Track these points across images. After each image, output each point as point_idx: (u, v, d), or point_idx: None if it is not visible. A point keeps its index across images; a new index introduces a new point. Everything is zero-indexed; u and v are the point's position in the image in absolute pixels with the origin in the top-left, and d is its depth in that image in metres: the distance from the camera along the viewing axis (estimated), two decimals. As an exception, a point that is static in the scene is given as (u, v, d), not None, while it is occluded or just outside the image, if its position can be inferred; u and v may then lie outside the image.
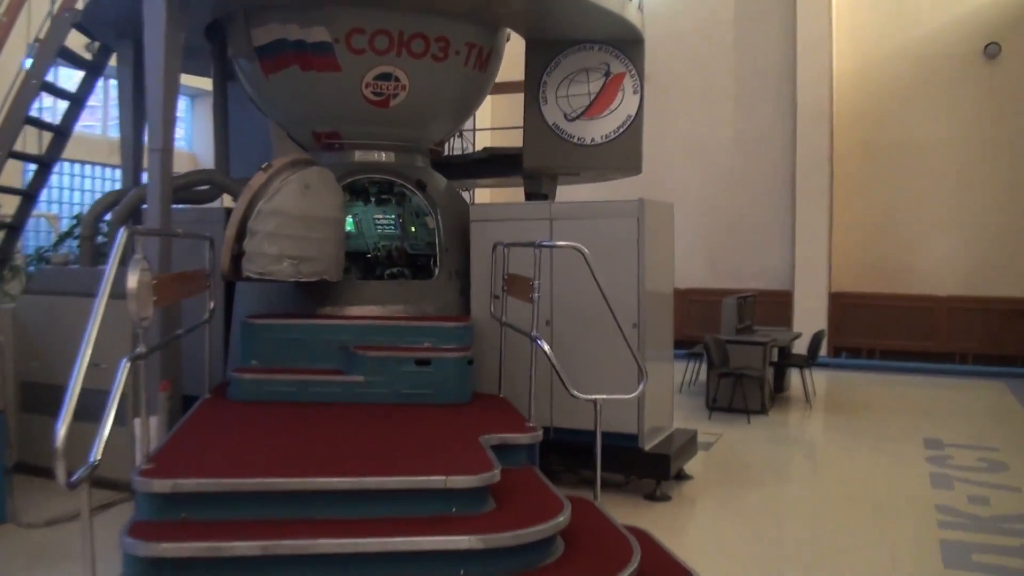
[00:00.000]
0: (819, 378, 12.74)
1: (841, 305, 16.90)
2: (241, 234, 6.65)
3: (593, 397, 5.60)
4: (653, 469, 7.22)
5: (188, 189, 7.91)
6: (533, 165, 8.25)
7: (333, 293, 7.48)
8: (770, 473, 8.56)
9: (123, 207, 7.55)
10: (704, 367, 12.99)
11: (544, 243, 5.72)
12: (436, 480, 4.53)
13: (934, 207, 16.48)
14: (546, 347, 5.63)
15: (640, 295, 7.11)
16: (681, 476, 7.81)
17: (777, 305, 16.94)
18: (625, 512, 6.73)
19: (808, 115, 16.72)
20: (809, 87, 16.66)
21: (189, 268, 6.23)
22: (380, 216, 8.89)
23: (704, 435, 9.36)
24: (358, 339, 6.89)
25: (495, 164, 9.26)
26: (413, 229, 8.80)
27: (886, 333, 16.57)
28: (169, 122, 6.87)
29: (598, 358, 7.24)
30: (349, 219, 8.92)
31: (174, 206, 8.93)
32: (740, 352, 11.51)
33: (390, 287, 7.77)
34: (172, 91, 6.85)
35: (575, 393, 5.56)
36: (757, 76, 17.50)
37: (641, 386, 5.76)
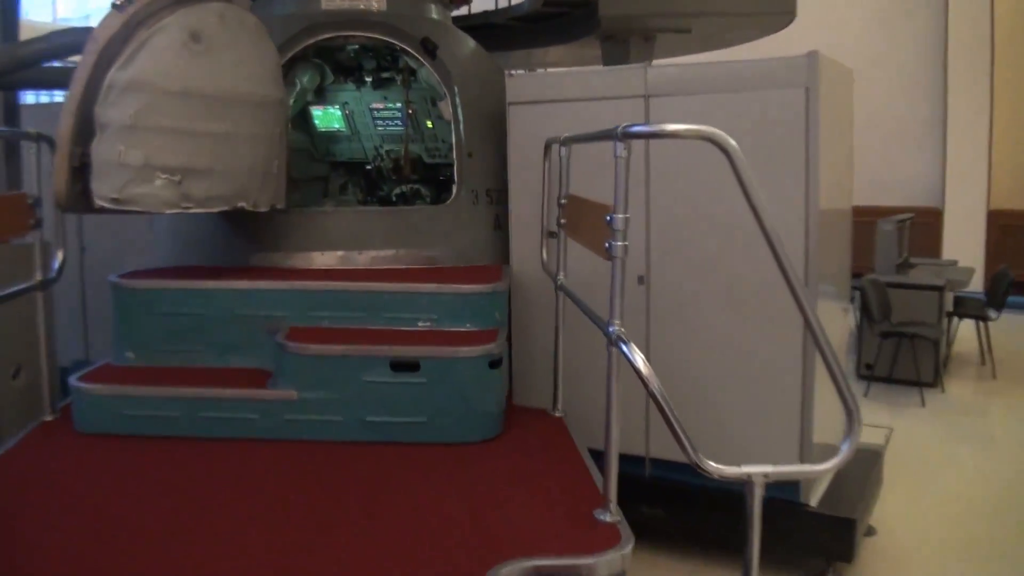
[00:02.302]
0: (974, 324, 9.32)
1: (1002, 227, 13.20)
2: (85, 128, 3.65)
3: (748, 471, 2.46)
4: (823, 542, 4.10)
5: (48, 61, 4.87)
6: (615, 13, 4.98)
7: (289, 229, 4.46)
8: (1002, 514, 5.31)
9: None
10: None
11: (636, 128, 2.56)
12: None
13: None
14: (640, 361, 2.53)
15: (809, 223, 3.91)
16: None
17: (922, 227, 13.31)
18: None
19: (964, -25, 12.81)
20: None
21: None
22: (380, 105, 5.82)
23: (866, 429, 6.14)
24: (302, 315, 3.90)
25: (557, 24, 6.01)
26: (431, 124, 5.70)
27: (1062, 262, 12.93)
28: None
29: (732, 346, 4.11)
30: (336, 111, 5.89)
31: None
32: (905, 300, 8.18)
33: (374, 218, 4.68)
34: None
35: (709, 467, 2.44)
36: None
37: (847, 446, 2.58)
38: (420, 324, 3.85)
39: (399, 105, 5.67)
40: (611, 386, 2.72)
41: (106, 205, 3.68)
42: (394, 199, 5.91)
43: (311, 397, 3.54)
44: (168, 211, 3.70)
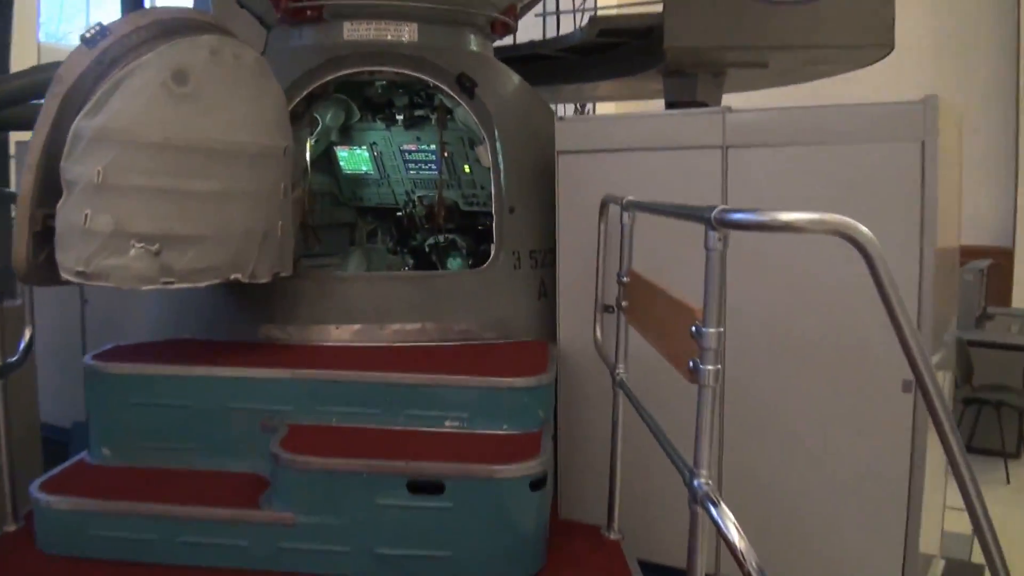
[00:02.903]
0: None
1: (1078, 270, 12.17)
2: (51, 186, 3.04)
3: None
4: None
5: (36, 98, 4.29)
6: (681, 45, 4.29)
7: (300, 298, 3.81)
8: None
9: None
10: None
11: (738, 216, 1.84)
12: None
13: None
14: (734, 531, 1.83)
15: (922, 304, 3.17)
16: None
17: (991, 269, 12.28)
18: None
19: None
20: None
21: None
22: (412, 147, 5.18)
23: (951, 513, 5.32)
24: (307, 410, 3.24)
25: (613, 56, 5.33)
26: (468, 169, 5.05)
27: None
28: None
29: (823, 454, 3.38)
30: (363, 152, 5.28)
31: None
32: (988, 360, 7.29)
33: (398, 287, 3.98)
34: None
35: None
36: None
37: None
38: (447, 424, 3.16)
39: (433, 147, 5.02)
40: (695, 560, 2.00)
41: (71, 279, 3.06)
42: (427, 249, 5.26)
43: (311, 522, 2.86)
44: (144, 287, 3.06)
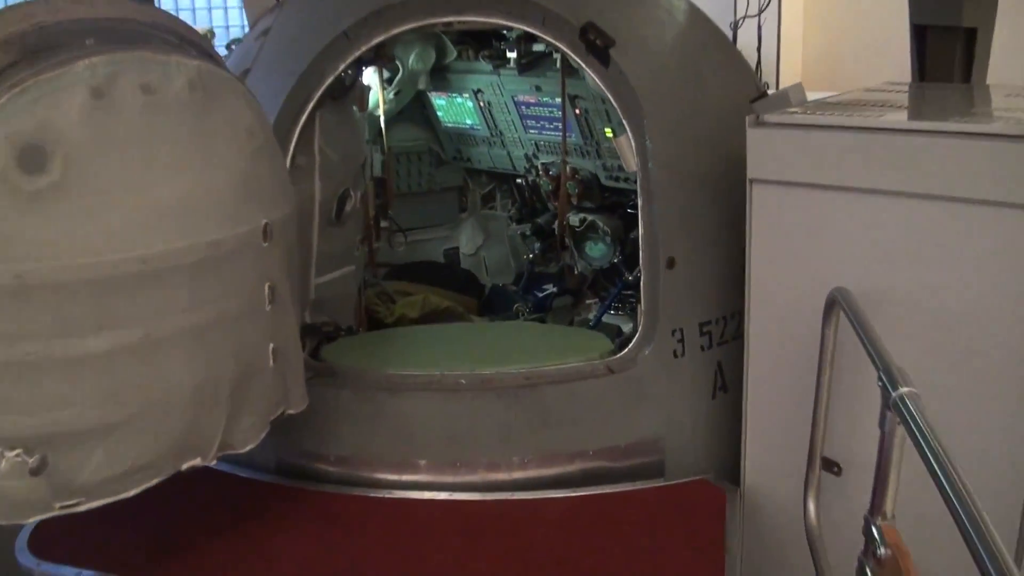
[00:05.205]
0: None
1: None
2: None
3: None
4: None
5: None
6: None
7: (340, 419, 2.48)
8: None
9: None
10: None
11: None
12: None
13: None
14: None
15: None
16: None
17: None
18: None
19: None
20: None
21: None
22: (531, 99, 3.64)
23: None
24: None
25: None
26: (610, 133, 3.46)
27: None
28: None
29: None
30: (466, 100, 3.81)
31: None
32: None
33: (485, 401, 2.47)
34: None
35: None
36: None
37: None
38: None
39: (558, 100, 3.46)
40: None
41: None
42: (553, 234, 3.79)
43: None
44: (32, 518, 1.79)
